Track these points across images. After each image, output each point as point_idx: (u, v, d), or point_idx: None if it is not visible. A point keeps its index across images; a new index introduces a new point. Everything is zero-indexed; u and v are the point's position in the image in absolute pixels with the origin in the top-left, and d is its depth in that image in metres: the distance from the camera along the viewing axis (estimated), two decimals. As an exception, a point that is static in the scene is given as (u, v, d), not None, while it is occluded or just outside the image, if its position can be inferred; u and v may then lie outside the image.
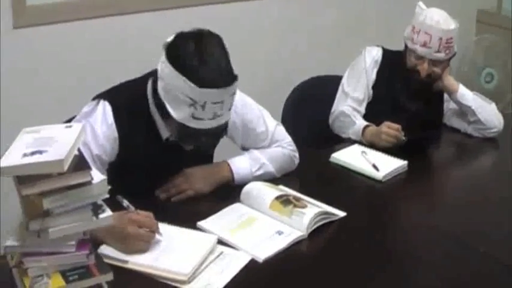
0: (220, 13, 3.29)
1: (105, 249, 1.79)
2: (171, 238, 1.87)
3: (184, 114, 1.94)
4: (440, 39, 2.65)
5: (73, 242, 1.52)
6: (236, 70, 1.99)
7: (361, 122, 2.74)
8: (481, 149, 2.84)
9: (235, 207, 2.11)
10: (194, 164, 2.21)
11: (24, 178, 1.41)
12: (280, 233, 1.96)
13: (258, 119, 2.29)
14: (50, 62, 2.89)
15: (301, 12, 3.68)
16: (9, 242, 1.51)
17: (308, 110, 2.99)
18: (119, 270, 1.65)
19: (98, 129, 2.03)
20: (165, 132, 2.11)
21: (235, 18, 3.35)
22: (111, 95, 2.09)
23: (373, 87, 2.86)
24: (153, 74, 2.05)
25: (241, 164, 2.26)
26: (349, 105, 2.83)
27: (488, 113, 2.83)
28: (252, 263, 1.83)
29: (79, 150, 1.52)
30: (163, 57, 1.96)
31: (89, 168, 1.48)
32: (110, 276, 1.54)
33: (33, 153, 1.42)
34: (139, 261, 1.77)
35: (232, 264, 1.81)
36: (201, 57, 1.91)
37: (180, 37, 1.98)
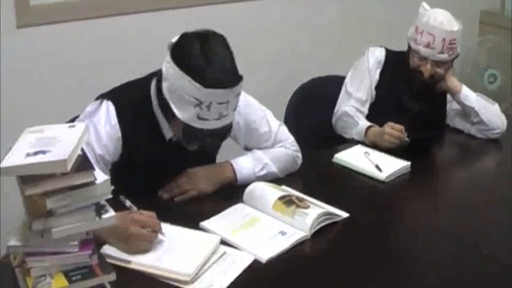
0: (220, 13, 3.29)
1: (108, 249, 1.79)
2: (174, 238, 1.87)
3: (189, 114, 1.94)
4: (444, 40, 2.65)
5: (76, 242, 1.51)
6: (237, 70, 1.99)
7: (364, 123, 2.74)
8: (484, 150, 2.84)
9: (238, 207, 2.11)
10: (197, 164, 2.21)
11: (27, 178, 1.41)
12: (283, 233, 1.96)
13: (261, 119, 2.29)
14: (53, 61, 2.89)
15: (302, 12, 3.68)
16: (12, 242, 1.51)
17: (311, 110, 2.99)
18: (121, 270, 1.66)
19: (102, 129, 2.03)
20: (168, 133, 2.11)
21: (236, 19, 3.35)
22: (115, 95, 2.09)
23: (376, 88, 2.86)
24: (157, 74, 2.05)
25: (244, 164, 2.26)
26: (352, 105, 2.82)
27: (491, 114, 2.82)
28: (255, 263, 1.83)
29: (82, 150, 1.52)
30: (168, 58, 1.96)
31: (92, 168, 1.48)
32: (112, 276, 1.54)
33: (36, 153, 1.42)
34: (142, 261, 1.77)
35: (235, 265, 1.80)
36: (206, 58, 1.91)
37: (185, 37, 1.98)
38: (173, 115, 1.97)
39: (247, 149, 2.33)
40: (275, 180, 2.28)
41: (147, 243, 1.81)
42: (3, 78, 2.72)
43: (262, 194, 2.11)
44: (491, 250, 1.94)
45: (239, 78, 1.96)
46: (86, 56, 2.97)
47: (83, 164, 1.48)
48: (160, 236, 1.85)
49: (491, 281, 1.83)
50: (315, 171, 2.48)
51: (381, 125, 2.66)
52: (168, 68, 1.95)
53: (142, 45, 3.06)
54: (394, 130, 2.60)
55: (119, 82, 2.17)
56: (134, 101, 2.09)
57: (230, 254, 1.85)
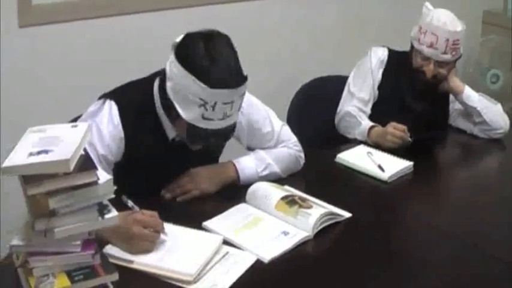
0: (220, 13, 3.28)
1: (110, 249, 1.79)
2: (177, 238, 1.87)
3: (194, 114, 1.93)
4: (447, 40, 2.64)
5: (78, 242, 1.51)
6: (238, 70, 1.98)
7: (366, 123, 2.74)
8: (486, 150, 2.84)
9: (240, 207, 2.11)
10: (200, 164, 2.21)
11: (30, 178, 1.41)
12: (285, 233, 1.96)
13: (264, 119, 2.29)
14: (55, 61, 2.88)
15: (302, 12, 3.68)
16: (15, 241, 1.51)
17: (313, 110, 2.99)
18: (124, 270, 1.65)
19: (104, 129, 2.03)
20: (171, 133, 2.11)
21: (236, 19, 3.34)
22: (118, 95, 2.09)
23: (379, 88, 2.86)
24: (160, 74, 2.05)
25: (246, 164, 2.26)
26: (355, 105, 2.82)
27: (494, 114, 2.82)
28: (258, 263, 1.82)
29: (85, 150, 1.52)
30: (172, 58, 1.95)
31: (94, 168, 1.48)
32: (115, 276, 1.53)
33: (39, 153, 1.42)
34: (144, 261, 1.76)
35: (238, 265, 1.80)
36: (211, 58, 1.91)
37: (189, 37, 1.98)
38: (177, 115, 1.97)
39: (250, 149, 2.33)
40: (278, 180, 2.27)
41: (149, 243, 1.81)
42: (4, 77, 2.71)
43: (264, 194, 2.11)
44: (492, 250, 1.95)
45: (244, 79, 1.95)
46: (88, 56, 2.96)
47: (86, 163, 1.48)
48: (162, 236, 1.85)
49: (491, 281, 1.83)
50: (317, 171, 2.48)
51: (384, 125, 2.66)
52: (173, 67, 1.95)
53: (143, 45, 3.06)
54: (396, 130, 2.59)
55: (120, 82, 2.17)
56: (137, 101, 2.09)
57: (233, 254, 1.85)
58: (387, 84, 2.85)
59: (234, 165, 2.25)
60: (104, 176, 1.51)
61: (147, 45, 3.05)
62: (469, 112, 2.85)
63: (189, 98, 1.92)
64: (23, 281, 1.53)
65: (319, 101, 3.02)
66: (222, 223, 2.00)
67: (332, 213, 2.04)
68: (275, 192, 2.11)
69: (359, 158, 2.53)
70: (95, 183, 1.47)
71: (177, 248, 1.83)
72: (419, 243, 2.04)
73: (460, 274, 1.85)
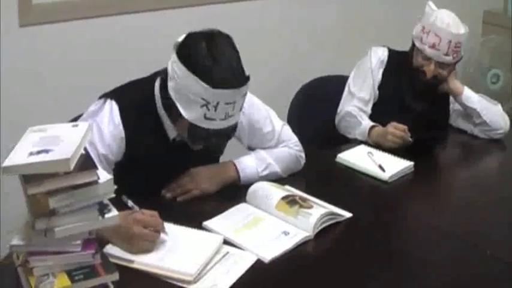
0: (220, 13, 3.28)
1: (111, 249, 1.78)
2: (177, 238, 1.86)
3: (196, 114, 1.93)
4: (450, 42, 2.64)
5: (79, 242, 1.51)
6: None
7: (367, 123, 2.74)
8: (487, 150, 2.84)
9: (241, 207, 2.11)
10: (201, 164, 2.21)
11: (30, 177, 1.41)
12: (286, 233, 1.96)
13: (264, 119, 2.29)
14: (55, 60, 2.88)
15: (302, 12, 3.67)
16: (15, 241, 1.51)
17: (314, 110, 2.99)
18: (124, 270, 1.65)
19: (105, 128, 2.03)
20: (172, 132, 2.11)
21: (236, 18, 3.34)
22: (118, 94, 2.09)
23: (379, 88, 2.86)
24: (161, 74, 2.05)
25: (247, 164, 2.26)
26: (355, 105, 2.82)
27: (494, 115, 2.82)
28: (258, 263, 1.82)
29: (85, 149, 1.52)
30: (174, 57, 1.95)
31: (95, 167, 1.48)
32: (115, 276, 1.53)
33: (39, 152, 1.42)
34: (144, 261, 1.76)
35: (238, 265, 1.80)
36: (213, 58, 1.91)
37: (191, 37, 1.97)
38: (179, 115, 1.97)
39: (251, 148, 2.33)
40: (278, 180, 2.27)
41: (149, 243, 1.81)
42: (4, 77, 2.71)
43: (265, 194, 2.11)
44: (492, 250, 1.94)
45: (246, 79, 1.95)
46: (88, 56, 2.96)
47: (86, 163, 1.48)
48: (163, 236, 1.85)
49: (491, 281, 1.83)
50: (318, 171, 2.48)
51: (384, 124, 2.66)
52: (174, 67, 1.94)
53: (143, 45, 3.06)
54: (397, 130, 2.59)
55: (120, 82, 2.17)
56: (138, 101, 2.08)
57: (233, 254, 1.85)
58: (387, 84, 2.85)
59: (235, 165, 2.25)
60: (104, 175, 1.51)
61: (147, 45, 3.05)
62: (468, 113, 2.85)
63: (191, 98, 1.91)
64: (23, 281, 1.53)
65: (319, 101, 3.01)
66: (223, 223, 2.00)
67: (332, 213, 2.04)
68: (275, 192, 2.11)
69: (359, 158, 2.53)
70: (95, 182, 1.47)
71: (178, 248, 1.82)
72: (419, 243, 2.04)
73: (460, 274, 1.85)
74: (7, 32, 2.68)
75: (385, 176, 2.40)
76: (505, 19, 4.35)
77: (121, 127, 2.04)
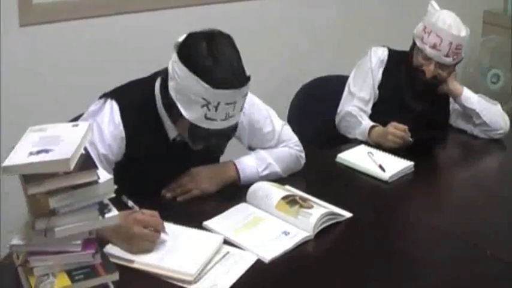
0: (220, 13, 3.28)
1: (111, 249, 1.78)
2: (177, 238, 1.86)
3: (196, 114, 1.93)
4: (451, 44, 2.64)
5: (79, 242, 1.51)
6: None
7: (367, 123, 2.74)
8: (487, 150, 2.84)
9: (241, 207, 2.11)
10: (201, 164, 2.21)
11: (30, 177, 1.41)
12: (286, 233, 1.96)
13: (265, 119, 2.28)
14: (56, 60, 2.88)
15: (302, 12, 3.67)
16: (15, 241, 1.51)
17: (314, 110, 2.99)
18: (124, 270, 1.65)
19: (105, 128, 2.03)
20: (172, 132, 2.10)
21: (236, 18, 3.34)
22: (119, 94, 2.09)
23: (379, 87, 2.86)
24: (161, 74, 2.05)
25: (247, 164, 2.26)
26: (355, 105, 2.82)
27: (494, 115, 2.82)
28: (258, 263, 1.82)
29: (85, 149, 1.52)
30: (174, 57, 1.95)
31: (95, 167, 1.48)
32: (115, 276, 1.53)
33: (39, 152, 1.42)
34: (145, 261, 1.76)
35: (238, 265, 1.80)
36: (214, 58, 1.90)
37: (192, 37, 1.97)
38: (179, 115, 1.96)
39: (251, 148, 2.33)
40: (278, 180, 2.27)
41: (149, 242, 1.81)
42: (5, 77, 2.71)
43: (265, 194, 2.11)
44: (492, 250, 1.94)
45: (247, 79, 1.95)
46: (88, 55, 2.96)
47: (86, 163, 1.47)
48: (163, 236, 1.85)
49: (491, 281, 1.83)
50: (318, 171, 2.48)
51: (384, 124, 2.66)
52: (175, 67, 1.94)
53: (143, 45, 3.06)
54: (397, 130, 2.60)
55: (120, 82, 2.17)
56: (138, 101, 2.08)
57: (233, 253, 1.85)
58: (387, 84, 2.85)
59: (235, 164, 2.25)
60: (104, 175, 1.50)
61: (147, 45, 3.05)
62: (468, 114, 2.85)
63: (191, 98, 1.91)
64: (23, 281, 1.53)
65: (320, 101, 3.01)
66: (223, 223, 2.00)
67: (333, 213, 2.04)
68: (276, 192, 2.11)
69: (360, 158, 2.53)
70: (95, 182, 1.47)
71: (178, 248, 1.82)
72: (419, 243, 2.04)
73: (460, 274, 1.85)
74: (7, 32, 2.68)
75: (385, 176, 2.40)
76: (505, 19, 4.35)
77: (121, 127, 2.04)
